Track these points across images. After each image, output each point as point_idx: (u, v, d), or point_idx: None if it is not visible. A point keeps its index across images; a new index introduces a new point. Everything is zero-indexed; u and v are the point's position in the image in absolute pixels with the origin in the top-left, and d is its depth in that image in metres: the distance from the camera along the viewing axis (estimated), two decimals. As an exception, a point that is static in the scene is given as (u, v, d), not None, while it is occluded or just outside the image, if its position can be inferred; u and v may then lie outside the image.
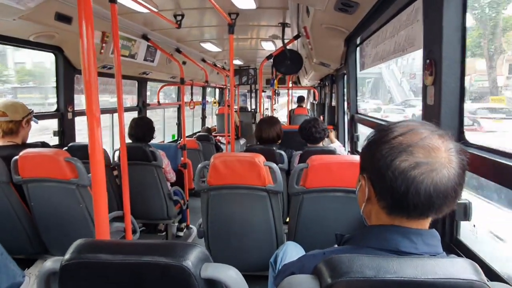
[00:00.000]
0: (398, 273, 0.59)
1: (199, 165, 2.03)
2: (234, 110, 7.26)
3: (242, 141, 6.98)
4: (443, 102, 1.11)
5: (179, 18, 3.14)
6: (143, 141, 2.85)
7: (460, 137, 1.14)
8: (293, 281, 0.65)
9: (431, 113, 1.18)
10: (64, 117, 2.99)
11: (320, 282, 0.62)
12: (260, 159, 1.85)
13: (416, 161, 0.65)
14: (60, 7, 2.33)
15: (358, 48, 2.82)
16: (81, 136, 3.27)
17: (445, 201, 0.66)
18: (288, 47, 3.71)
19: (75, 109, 3.11)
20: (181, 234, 3.39)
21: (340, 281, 0.60)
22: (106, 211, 1.10)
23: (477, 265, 0.62)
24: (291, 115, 7.81)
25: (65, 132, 3.02)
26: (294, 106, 8.71)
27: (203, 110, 7.33)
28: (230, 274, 0.70)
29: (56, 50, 2.84)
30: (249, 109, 9.23)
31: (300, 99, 8.76)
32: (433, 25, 1.15)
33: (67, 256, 0.68)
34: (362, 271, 0.60)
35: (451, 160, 0.66)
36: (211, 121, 8.77)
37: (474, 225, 1.07)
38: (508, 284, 0.88)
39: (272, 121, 2.76)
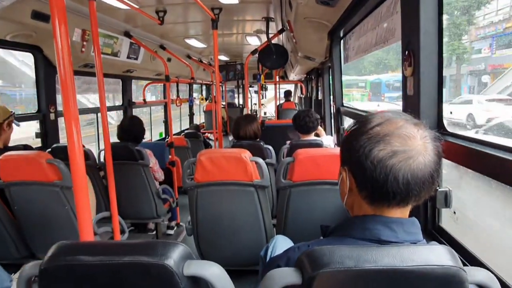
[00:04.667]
0: (377, 262, 0.60)
1: (186, 163, 2.02)
2: (222, 106, 7.25)
3: (231, 137, 6.96)
4: (422, 93, 1.12)
5: (161, 14, 3.09)
6: (136, 142, 2.82)
7: (439, 126, 1.16)
8: (276, 274, 0.65)
9: (411, 104, 1.20)
10: (46, 118, 2.93)
11: (302, 274, 0.63)
12: (246, 154, 1.85)
13: (393, 150, 0.67)
14: (37, 5, 2.27)
15: (341, 41, 2.83)
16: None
17: (423, 187, 0.68)
18: (273, 41, 3.70)
19: (59, 109, 3.05)
20: (171, 232, 3.38)
21: (322, 272, 0.60)
22: (89, 212, 1.08)
23: (453, 251, 0.63)
24: (279, 109, 7.81)
25: (48, 133, 2.95)
26: (282, 101, 8.71)
27: (190, 107, 7.28)
28: (213, 271, 0.70)
29: (35, 49, 2.76)
30: (237, 105, 9.22)
31: (287, 94, 8.77)
32: (410, 16, 1.17)
33: (46, 259, 0.66)
34: (343, 262, 0.60)
35: (426, 147, 0.68)
36: (199, 118, 8.72)
37: (454, 212, 1.10)
38: (486, 268, 0.91)
39: (249, 118, 2.73)
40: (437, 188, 1.11)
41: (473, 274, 0.63)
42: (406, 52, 1.19)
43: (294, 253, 0.81)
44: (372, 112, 0.75)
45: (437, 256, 0.61)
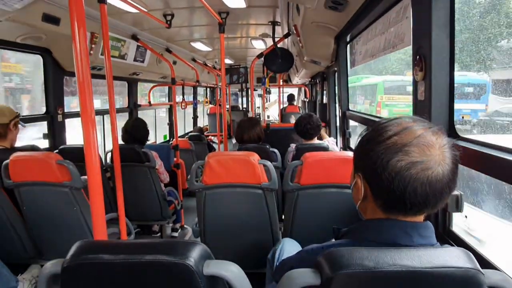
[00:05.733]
0: (397, 264, 0.61)
1: (194, 165, 2.03)
2: (226, 109, 7.27)
3: (235, 140, 6.97)
4: (434, 97, 1.13)
5: (169, 17, 3.13)
6: (140, 144, 2.83)
7: (450, 131, 1.17)
8: (294, 275, 0.66)
9: (422, 109, 1.21)
10: (54, 120, 2.95)
11: (320, 275, 0.64)
12: (255, 157, 1.86)
13: (411, 161, 0.66)
14: (48, 8, 2.30)
15: (348, 46, 2.85)
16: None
17: (440, 198, 0.68)
18: (278, 45, 3.73)
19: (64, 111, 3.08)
20: (175, 234, 3.39)
21: (341, 273, 0.61)
22: (103, 212, 1.09)
23: (471, 254, 0.64)
24: (283, 113, 7.83)
25: (55, 135, 2.97)
26: (285, 104, 8.73)
27: (195, 109, 7.31)
28: (232, 270, 0.71)
29: (44, 51, 2.79)
30: (241, 108, 9.24)
31: (290, 98, 8.80)
32: (421, 21, 1.18)
33: (68, 257, 0.68)
34: (362, 263, 0.61)
35: (445, 157, 0.67)
36: (203, 121, 8.75)
37: (465, 216, 1.10)
38: (500, 271, 0.91)
39: (252, 122, 2.73)
40: None
41: (490, 276, 0.63)
42: (417, 57, 1.20)
43: (308, 255, 0.82)
44: (387, 118, 0.74)
45: (455, 259, 0.62)
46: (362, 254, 0.63)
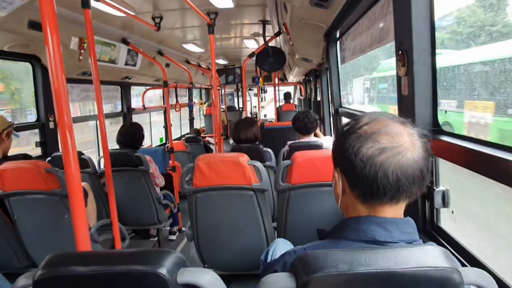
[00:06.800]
0: (371, 265, 0.59)
1: (184, 168, 2.01)
2: (222, 110, 7.26)
3: (232, 141, 6.96)
4: (417, 92, 1.12)
5: (157, 20, 3.11)
6: (133, 148, 2.82)
7: (434, 126, 1.15)
8: (270, 280, 0.65)
9: (406, 104, 1.19)
10: (45, 127, 2.93)
11: (296, 279, 0.63)
12: (244, 158, 1.85)
13: (381, 147, 0.68)
14: (33, 15, 2.28)
15: (338, 42, 2.83)
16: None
17: (413, 183, 0.69)
18: (270, 44, 3.71)
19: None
20: (173, 237, 3.38)
21: (315, 276, 0.60)
22: (85, 221, 1.08)
23: (449, 252, 0.63)
24: (279, 111, 7.81)
25: (48, 142, 2.96)
26: (281, 103, 8.71)
27: (190, 111, 7.30)
28: (207, 278, 0.69)
29: (33, 59, 2.78)
30: (237, 108, 9.24)
31: (287, 96, 8.78)
32: (402, 16, 1.16)
33: (39, 271, 0.66)
34: (336, 266, 0.60)
35: (414, 144, 0.69)
36: (200, 122, 8.74)
37: (452, 211, 1.09)
38: (486, 268, 0.90)
39: (248, 122, 2.75)
40: (435, 188, 1.10)
41: (468, 274, 0.62)
42: (400, 52, 1.19)
43: (290, 257, 0.81)
44: (364, 112, 0.76)
45: (432, 258, 0.60)
46: (337, 257, 0.61)
